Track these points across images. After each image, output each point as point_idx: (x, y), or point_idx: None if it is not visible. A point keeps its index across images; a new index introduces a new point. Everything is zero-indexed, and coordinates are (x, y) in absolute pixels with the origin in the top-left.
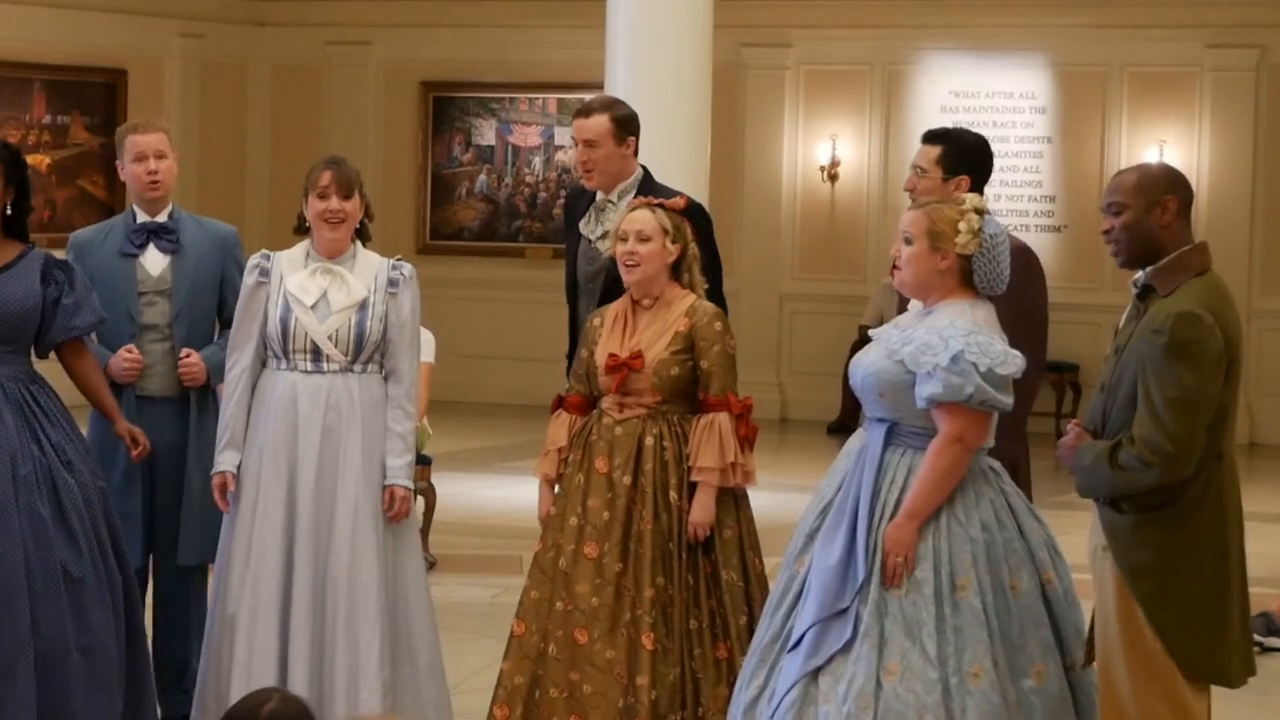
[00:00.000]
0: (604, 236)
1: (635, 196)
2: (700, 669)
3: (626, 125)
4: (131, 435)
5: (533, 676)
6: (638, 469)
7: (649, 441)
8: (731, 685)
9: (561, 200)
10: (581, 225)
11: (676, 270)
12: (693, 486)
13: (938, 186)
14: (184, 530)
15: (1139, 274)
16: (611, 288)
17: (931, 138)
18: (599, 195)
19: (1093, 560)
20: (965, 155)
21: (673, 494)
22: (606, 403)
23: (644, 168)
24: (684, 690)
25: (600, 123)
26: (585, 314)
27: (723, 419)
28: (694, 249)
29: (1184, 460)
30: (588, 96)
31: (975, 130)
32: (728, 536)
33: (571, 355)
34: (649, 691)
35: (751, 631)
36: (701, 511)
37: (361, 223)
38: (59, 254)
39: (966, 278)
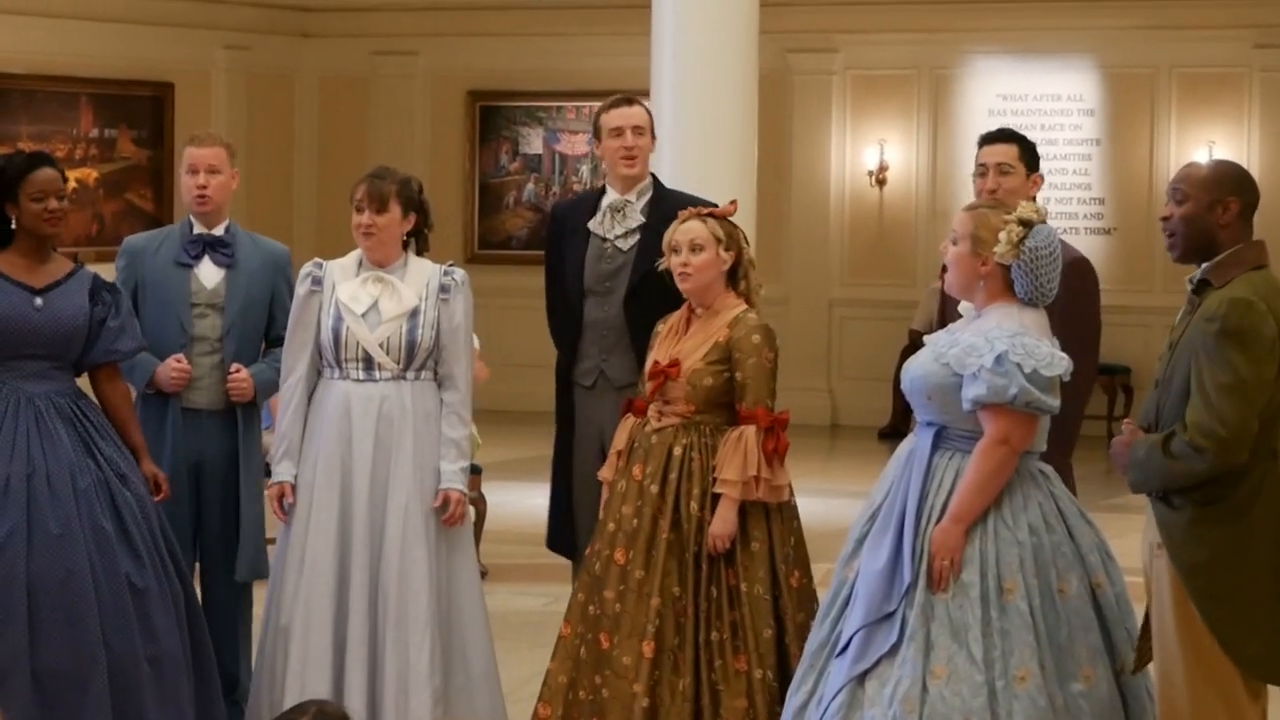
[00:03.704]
0: (625, 235)
1: (650, 198)
2: (720, 680)
3: (654, 125)
4: (155, 479)
5: (571, 677)
6: (665, 478)
7: (677, 451)
8: (749, 698)
9: None
10: (593, 225)
11: (733, 277)
12: (717, 498)
13: (1022, 183)
14: (240, 547)
15: (1194, 272)
16: (641, 284)
17: (1004, 137)
18: (613, 195)
19: (1148, 558)
20: (1035, 154)
21: (694, 505)
22: (650, 410)
23: (653, 174)
24: (699, 701)
25: (644, 112)
26: (595, 316)
27: (749, 432)
28: (749, 253)
29: (1237, 446)
30: None
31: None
32: (755, 550)
33: (566, 364)
34: (642, 699)
35: (779, 645)
36: (721, 523)
37: (421, 233)
38: (107, 268)
39: (1010, 285)
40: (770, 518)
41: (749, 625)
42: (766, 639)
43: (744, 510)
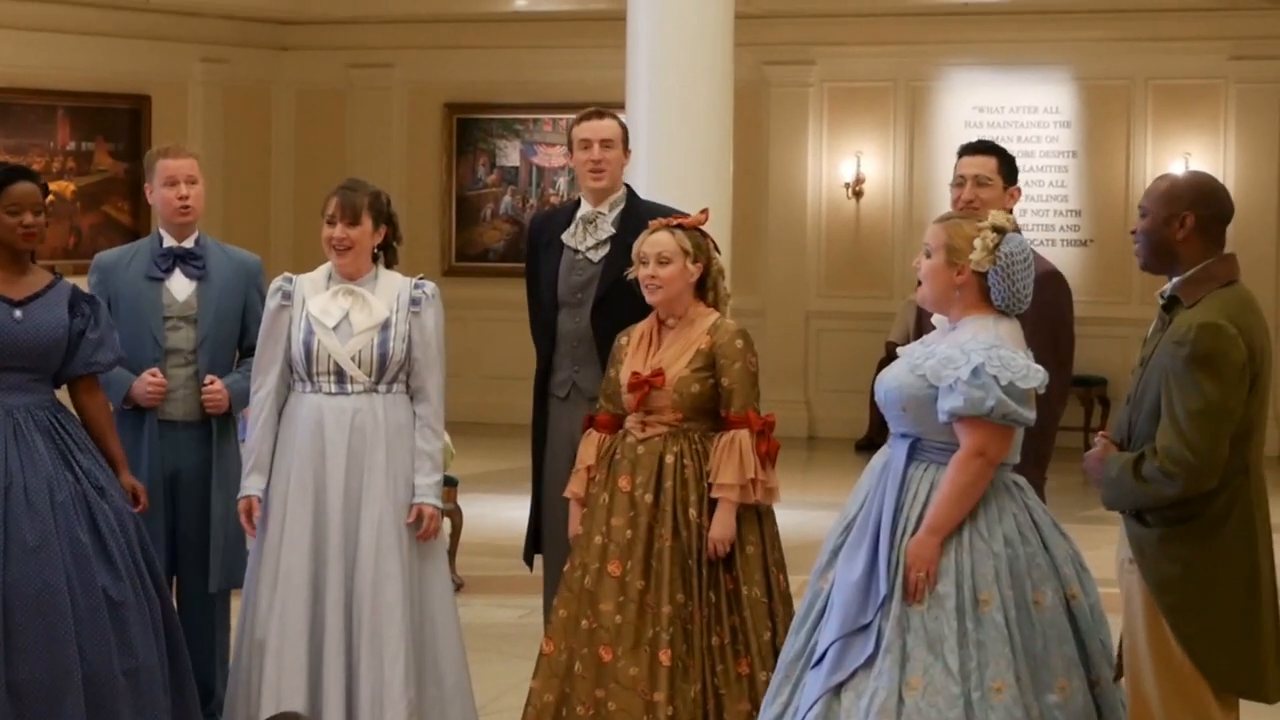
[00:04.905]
0: (595, 247)
1: (622, 210)
2: (723, 685)
3: (628, 136)
4: (134, 491)
5: (560, 694)
6: (659, 487)
7: (669, 459)
8: (753, 701)
9: None
10: (566, 236)
11: (702, 287)
12: (713, 503)
13: (999, 196)
14: (213, 557)
15: (1166, 286)
16: (607, 295)
17: (983, 149)
18: (586, 207)
19: (1120, 573)
20: (1014, 167)
21: (692, 511)
22: (630, 421)
23: (628, 185)
24: (705, 706)
25: (614, 125)
26: (568, 327)
27: (743, 436)
28: (718, 262)
29: (1207, 472)
30: None
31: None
32: (750, 553)
33: (541, 375)
34: (665, 708)
35: (775, 648)
36: (721, 528)
37: (390, 246)
38: (84, 280)
39: (986, 294)
40: (761, 521)
41: (750, 628)
42: (765, 641)
43: (738, 514)
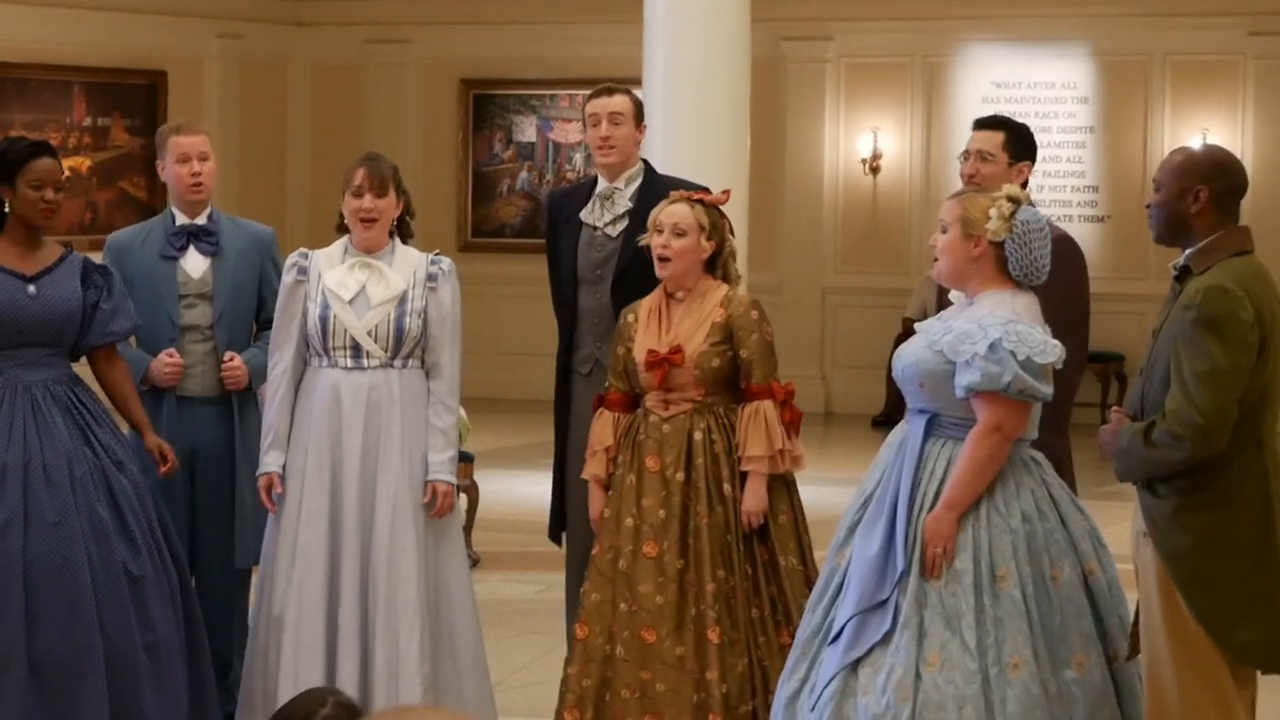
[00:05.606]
0: (613, 222)
1: (640, 185)
2: (766, 657)
3: (642, 111)
4: (160, 451)
5: (601, 679)
6: (689, 465)
7: (698, 436)
8: None
9: None
10: (584, 214)
11: (712, 264)
12: (744, 476)
13: (1003, 172)
14: (238, 534)
15: (1179, 258)
16: (626, 270)
17: (991, 124)
18: (603, 184)
19: (1135, 546)
20: (1026, 142)
21: (726, 486)
22: (651, 400)
23: (645, 160)
24: (753, 679)
25: (624, 101)
26: (589, 304)
27: (767, 407)
28: (731, 244)
29: (1214, 434)
30: None
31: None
32: (783, 522)
33: (564, 352)
34: (719, 685)
35: None
36: (754, 500)
37: (403, 220)
38: (100, 256)
39: (1003, 266)
40: (790, 490)
41: (790, 598)
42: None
43: (767, 485)
